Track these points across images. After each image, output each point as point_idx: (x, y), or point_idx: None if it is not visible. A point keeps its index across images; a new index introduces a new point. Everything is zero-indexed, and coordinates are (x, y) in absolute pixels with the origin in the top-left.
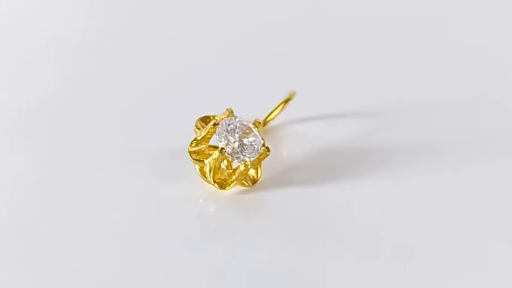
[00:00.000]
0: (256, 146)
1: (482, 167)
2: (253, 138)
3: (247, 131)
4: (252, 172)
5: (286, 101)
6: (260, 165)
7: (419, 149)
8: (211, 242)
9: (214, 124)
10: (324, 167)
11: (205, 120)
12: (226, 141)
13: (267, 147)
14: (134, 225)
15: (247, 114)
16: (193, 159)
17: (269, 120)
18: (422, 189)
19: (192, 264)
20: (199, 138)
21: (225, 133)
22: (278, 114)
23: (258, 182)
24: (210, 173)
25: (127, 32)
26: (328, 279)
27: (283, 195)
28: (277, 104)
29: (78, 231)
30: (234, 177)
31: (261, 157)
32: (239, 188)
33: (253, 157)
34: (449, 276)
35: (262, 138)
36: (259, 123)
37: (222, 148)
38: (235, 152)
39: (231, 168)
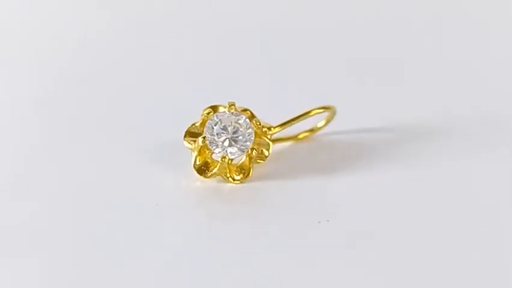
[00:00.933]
0: (241, 146)
1: (487, 166)
2: (242, 136)
3: (240, 129)
4: (241, 173)
5: (325, 108)
6: (252, 167)
7: (416, 148)
8: (206, 235)
9: (208, 113)
10: (322, 164)
11: (213, 108)
12: (211, 131)
13: (254, 150)
14: (133, 220)
15: (259, 115)
16: (184, 139)
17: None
18: (420, 187)
19: (188, 258)
20: (197, 124)
21: (213, 125)
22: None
23: (247, 180)
24: (192, 158)
25: (132, 27)
26: (325, 276)
27: (280, 189)
28: (303, 112)
29: (77, 228)
30: (215, 169)
31: (250, 155)
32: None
33: (236, 156)
34: (449, 274)
35: (269, 140)
36: (259, 123)
37: (204, 137)
38: (218, 145)
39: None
